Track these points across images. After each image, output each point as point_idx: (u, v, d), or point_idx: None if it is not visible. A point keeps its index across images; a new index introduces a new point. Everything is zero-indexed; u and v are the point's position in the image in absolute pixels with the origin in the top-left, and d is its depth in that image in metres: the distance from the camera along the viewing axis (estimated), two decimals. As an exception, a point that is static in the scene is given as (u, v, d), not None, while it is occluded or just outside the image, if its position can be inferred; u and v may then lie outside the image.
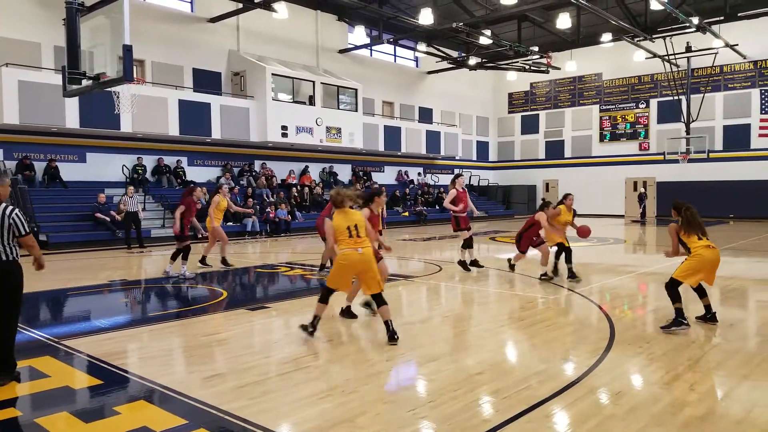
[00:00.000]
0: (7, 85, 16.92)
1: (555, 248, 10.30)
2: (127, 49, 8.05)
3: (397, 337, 6.14)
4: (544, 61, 30.08)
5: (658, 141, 31.44)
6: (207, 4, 23.27)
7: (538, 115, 36.76)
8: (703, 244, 6.49)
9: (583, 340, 6.43)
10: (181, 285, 10.24)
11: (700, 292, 6.80)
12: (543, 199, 10.74)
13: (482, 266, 11.55)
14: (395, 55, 32.19)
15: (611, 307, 8.02)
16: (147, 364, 5.61)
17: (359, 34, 26.83)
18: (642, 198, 28.94)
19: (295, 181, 25.49)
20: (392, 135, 29.43)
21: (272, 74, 23.12)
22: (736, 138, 29.33)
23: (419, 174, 33.22)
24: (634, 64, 31.16)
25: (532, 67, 31.63)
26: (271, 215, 21.31)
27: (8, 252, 4.88)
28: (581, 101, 34.86)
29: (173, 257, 11.12)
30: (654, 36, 25.82)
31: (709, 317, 6.85)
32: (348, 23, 28.06)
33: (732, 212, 28.09)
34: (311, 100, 24.60)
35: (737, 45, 27.40)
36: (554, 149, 36.02)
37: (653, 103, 32.16)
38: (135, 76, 9.29)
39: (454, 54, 31.77)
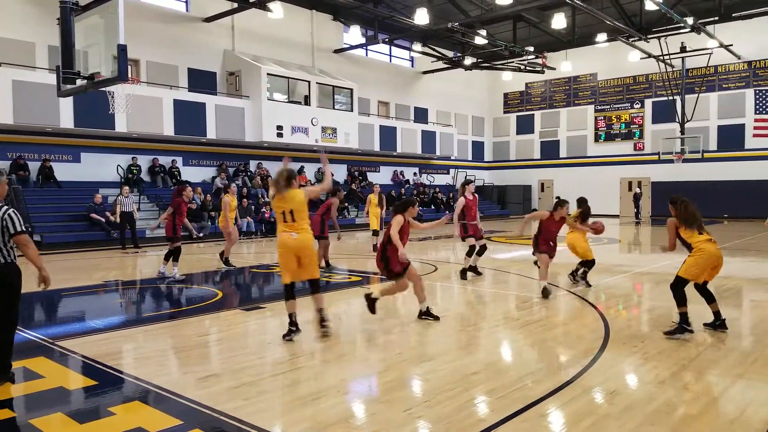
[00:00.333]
0: (1, 84, 16.86)
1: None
2: (122, 49, 8.02)
3: (326, 325, 6.24)
4: (539, 61, 30.13)
5: (652, 141, 31.55)
6: (202, 4, 23.22)
7: (533, 115, 36.83)
8: (705, 239, 6.21)
9: (578, 339, 6.44)
10: (175, 286, 10.21)
11: (708, 297, 6.47)
12: (557, 198, 9.46)
13: (480, 273, 10.96)
14: (391, 55, 32.19)
15: (606, 306, 8.03)
16: (142, 364, 5.59)
17: (354, 34, 26.83)
18: (637, 198, 29.02)
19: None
20: (388, 135, 29.43)
21: (267, 74, 23.09)
22: (731, 138, 29.45)
23: (415, 174, 33.24)
24: (628, 65, 31.24)
25: (527, 68, 31.68)
26: (266, 215, 21.28)
27: (5, 254, 4.85)
28: (576, 101, 34.94)
29: (166, 258, 11.09)
30: (649, 36, 25.88)
31: (718, 324, 6.46)
32: (343, 23, 28.04)
33: (726, 212, 28.19)
34: (306, 100, 24.58)
35: (732, 45, 27.51)
36: (549, 149, 36.09)
37: (648, 103, 32.26)
38: (130, 75, 9.27)
39: (450, 54, 31.80)
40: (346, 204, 25.46)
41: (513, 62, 31.01)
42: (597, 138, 34.22)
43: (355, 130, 26.56)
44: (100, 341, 6.34)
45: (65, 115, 18.04)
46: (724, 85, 29.78)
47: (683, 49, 27.86)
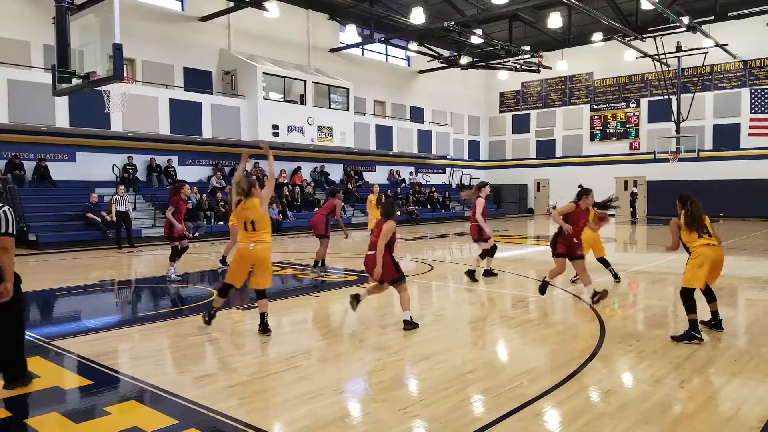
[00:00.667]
0: (-4, 83, 16.80)
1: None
2: (118, 48, 8.00)
3: (269, 332, 6.40)
4: (535, 60, 30.19)
5: (648, 140, 31.63)
6: (198, 3, 23.17)
7: (529, 114, 36.87)
8: (703, 242, 6.16)
9: (574, 338, 6.46)
10: (171, 285, 10.19)
11: (709, 296, 6.47)
12: (580, 186, 8.78)
13: (495, 274, 10.74)
14: (387, 55, 32.18)
15: (601, 305, 8.05)
16: (137, 364, 5.58)
17: (350, 33, 26.80)
18: (633, 197, 29.08)
19: (286, 181, 25.43)
20: (384, 134, 29.42)
21: (263, 73, 23.05)
22: (726, 137, 29.54)
23: (411, 173, 33.24)
24: (624, 64, 31.31)
25: (523, 67, 31.74)
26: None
27: None
28: (572, 101, 34.99)
29: (172, 258, 10.87)
30: (644, 36, 25.96)
31: (714, 323, 6.53)
32: (339, 22, 28.00)
33: (722, 211, 28.27)
34: (302, 100, 24.55)
35: (727, 45, 27.59)
36: (545, 148, 36.14)
37: (644, 102, 32.34)
38: (125, 75, 9.24)
39: (446, 53, 31.82)
40: (343, 204, 25.42)
41: (509, 61, 31.07)
42: (593, 137, 34.28)
43: (351, 129, 26.54)
44: (96, 341, 6.33)
45: (61, 114, 17.99)
46: (719, 85, 29.87)
47: (679, 49, 27.95)
